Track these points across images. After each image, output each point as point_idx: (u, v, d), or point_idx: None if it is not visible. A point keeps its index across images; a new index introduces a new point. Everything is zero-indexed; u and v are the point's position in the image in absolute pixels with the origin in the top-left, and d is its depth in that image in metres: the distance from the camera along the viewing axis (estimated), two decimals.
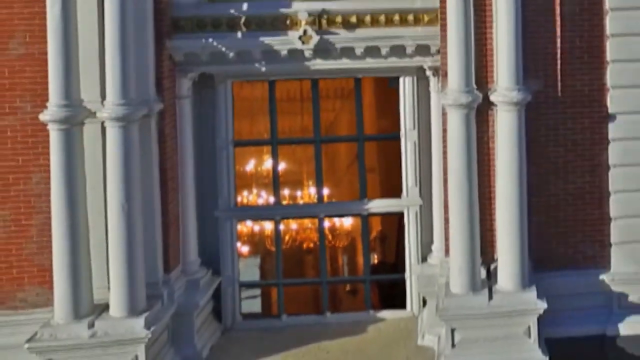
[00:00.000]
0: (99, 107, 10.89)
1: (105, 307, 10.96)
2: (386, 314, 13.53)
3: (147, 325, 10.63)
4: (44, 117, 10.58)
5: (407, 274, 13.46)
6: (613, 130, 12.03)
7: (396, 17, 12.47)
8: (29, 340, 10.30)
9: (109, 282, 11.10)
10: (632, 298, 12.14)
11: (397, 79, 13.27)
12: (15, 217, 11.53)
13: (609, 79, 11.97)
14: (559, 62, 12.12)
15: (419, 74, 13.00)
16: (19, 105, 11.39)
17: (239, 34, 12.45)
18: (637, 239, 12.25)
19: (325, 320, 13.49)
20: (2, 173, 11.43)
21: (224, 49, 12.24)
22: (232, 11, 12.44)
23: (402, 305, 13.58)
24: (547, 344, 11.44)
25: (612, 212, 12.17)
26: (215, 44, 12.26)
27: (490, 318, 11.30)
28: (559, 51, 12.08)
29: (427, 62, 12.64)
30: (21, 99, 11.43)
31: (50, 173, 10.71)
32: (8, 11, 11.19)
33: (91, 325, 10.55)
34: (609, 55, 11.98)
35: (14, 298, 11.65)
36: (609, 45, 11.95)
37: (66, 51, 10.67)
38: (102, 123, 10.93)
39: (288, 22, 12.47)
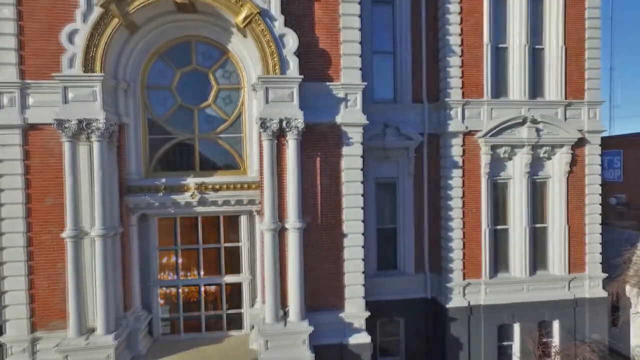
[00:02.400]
0: (91, 230, 15.44)
1: (94, 329, 15.32)
2: (233, 333, 18.18)
3: (115, 338, 15.02)
4: (63, 235, 15.06)
5: (244, 312, 18.22)
6: (345, 242, 17.08)
7: (238, 185, 17.12)
8: (56, 346, 14.79)
9: (96, 316, 15.36)
10: (355, 325, 17.11)
11: (239, 216, 17.98)
12: (49, 286, 16.07)
13: (344, 216, 17.20)
14: (319, 208, 16.97)
15: (250, 214, 17.81)
16: (51, 229, 15.86)
17: (160, 194, 16.75)
18: (356, 296, 17.24)
19: (203, 336, 17.92)
20: (44, 262, 15.81)
21: (152, 201, 16.71)
22: (157, 182, 16.75)
23: (241, 328, 18.29)
24: (315, 348, 16.05)
25: (346, 282, 17.14)
26: (148, 199, 16.64)
27: (285, 334, 15.66)
28: (319, 203, 17.00)
29: (254, 208, 17.35)
30: (52, 226, 15.82)
31: (67, 263, 15.20)
32: (45, 182, 15.74)
33: (87, 339, 14.93)
34: (343, 204, 17.15)
35: (49, 325, 16.07)
36: (343, 200, 17.14)
37: (75, 203, 15.15)
38: (92, 238, 15.37)
39: (185, 187, 16.86)
